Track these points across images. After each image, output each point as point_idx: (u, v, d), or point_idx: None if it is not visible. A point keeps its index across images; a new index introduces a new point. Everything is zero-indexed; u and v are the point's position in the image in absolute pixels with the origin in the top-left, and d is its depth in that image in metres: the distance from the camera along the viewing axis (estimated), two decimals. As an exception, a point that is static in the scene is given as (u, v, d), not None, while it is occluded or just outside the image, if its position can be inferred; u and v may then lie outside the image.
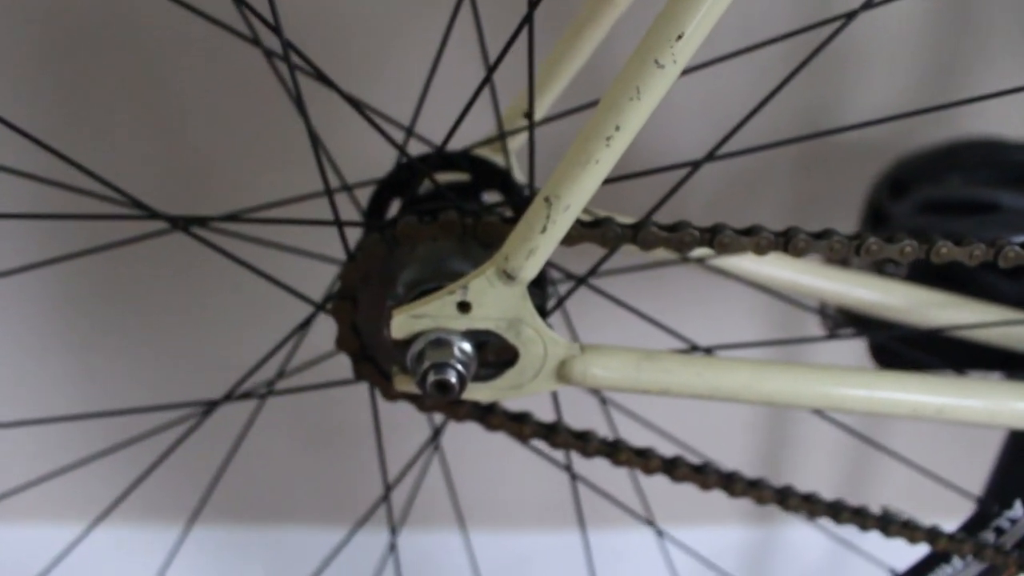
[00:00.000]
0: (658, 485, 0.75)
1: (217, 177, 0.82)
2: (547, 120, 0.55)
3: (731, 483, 0.53)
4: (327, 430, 0.98)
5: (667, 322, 0.56)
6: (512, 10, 0.49)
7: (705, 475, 0.53)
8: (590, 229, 0.44)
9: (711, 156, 0.45)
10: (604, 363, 0.46)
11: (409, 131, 0.56)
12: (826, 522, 0.56)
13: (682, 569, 0.85)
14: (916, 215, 0.68)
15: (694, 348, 0.53)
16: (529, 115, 0.47)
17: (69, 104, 0.78)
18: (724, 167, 0.83)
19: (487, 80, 0.46)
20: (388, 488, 0.64)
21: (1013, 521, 0.59)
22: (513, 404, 0.53)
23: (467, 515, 0.86)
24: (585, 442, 0.52)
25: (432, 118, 0.58)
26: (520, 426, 0.52)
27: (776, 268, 0.59)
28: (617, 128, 0.37)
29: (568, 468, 0.65)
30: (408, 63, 0.76)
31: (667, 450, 0.55)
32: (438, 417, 0.65)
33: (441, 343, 0.44)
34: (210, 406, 0.59)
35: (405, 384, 0.48)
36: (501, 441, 0.91)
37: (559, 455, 0.65)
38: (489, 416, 0.52)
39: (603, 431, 0.54)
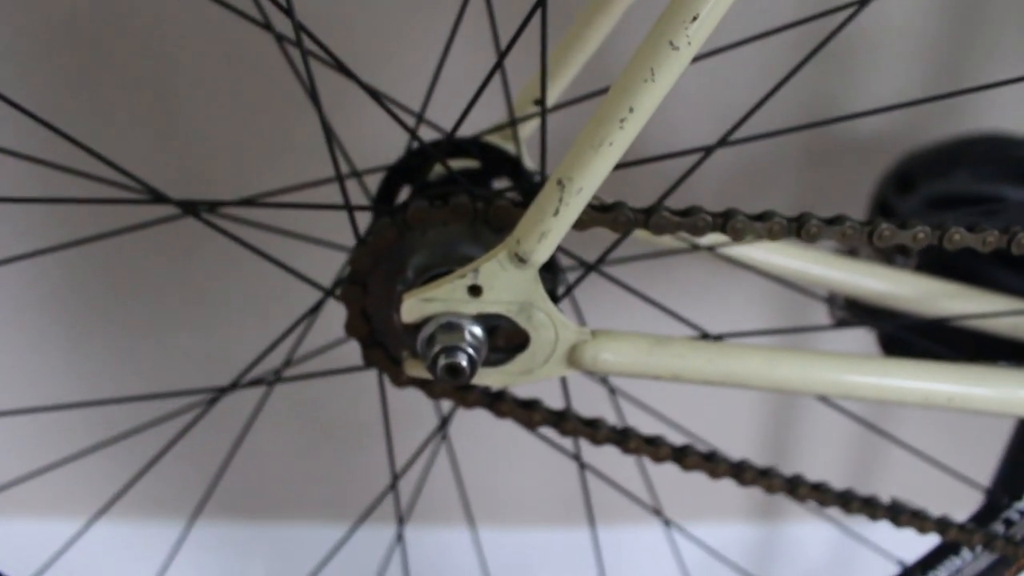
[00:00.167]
0: (664, 481, 0.76)
1: (222, 164, 0.82)
2: (558, 107, 0.55)
3: (741, 472, 0.53)
4: (331, 425, 0.98)
5: (675, 311, 0.56)
6: (523, -3, 0.49)
7: (715, 463, 0.53)
8: (602, 213, 0.44)
9: (723, 141, 0.45)
10: (615, 348, 0.46)
11: (420, 117, 0.56)
12: (835, 512, 0.56)
13: (689, 564, 0.85)
14: (923, 210, 0.68)
15: (704, 336, 0.53)
16: (542, 101, 0.47)
17: (74, 89, 0.78)
18: (730, 161, 0.83)
19: (498, 66, 0.46)
20: (395, 477, 0.64)
21: (1022, 512, 0.59)
22: (522, 392, 0.53)
23: (473, 510, 0.86)
24: (595, 430, 0.52)
25: (442, 105, 0.58)
26: (529, 413, 0.52)
27: (786, 257, 0.58)
28: (631, 110, 0.37)
29: (577, 457, 0.64)
30: (418, 49, 0.76)
31: (675, 440, 0.54)
32: (446, 408, 0.65)
33: (452, 327, 0.44)
34: (219, 393, 0.59)
35: (415, 369, 0.48)
36: (507, 437, 0.92)
37: (567, 444, 0.65)
38: (498, 403, 0.51)
39: (611, 422, 0.54)
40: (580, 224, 0.44)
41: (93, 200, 0.49)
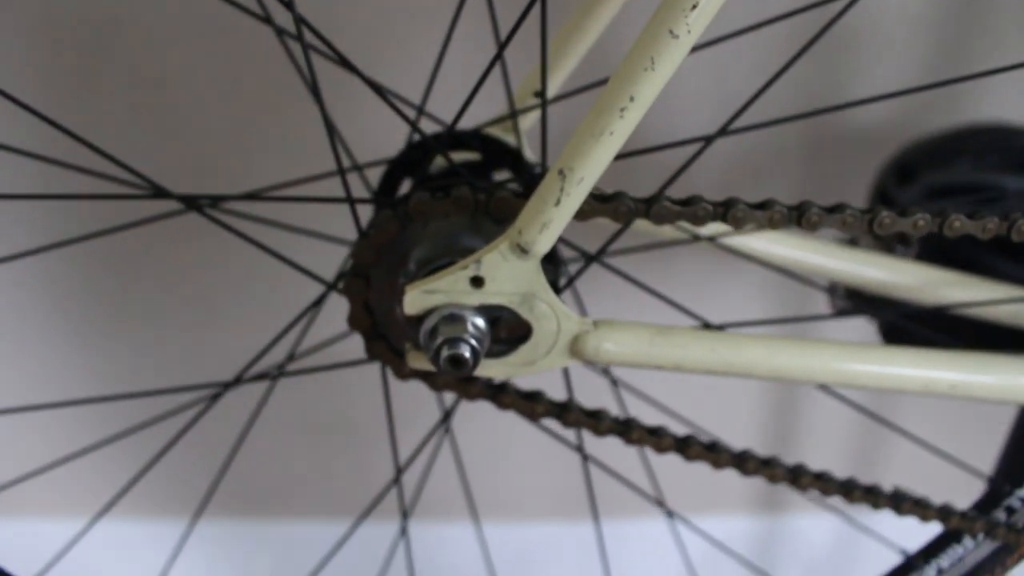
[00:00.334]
0: (666, 473, 0.76)
1: (223, 159, 0.82)
2: (558, 99, 0.55)
3: (744, 461, 0.53)
4: (334, 423, 0.98)
5: (677, 301, 0.56)
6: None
7: (717, 453, 0.53)
8: (603, 203, 0.44)
9: (724, 131, 0.45)
10: (617, 338, 0.46)
11: (420, 110, 0.56)
12: (838, 501, 0.56)
13: (692, 556, 0.85)
14: (923, 200, 0.69)
15: (705, 326, 0.53)
16: (542, 93, 0.47)
17: (76, 85, 0.78)
18: (729, 153, 0.83)
19: (498, 58, 0.46)
20: (399, 471, 0.64)
21: (1024, 500, 0.59)
22: (524, 383, 0.53)
23: (476, 505, 0.86)
24: (597, 420, 0.52)
25: (442, 97, 0.58)
26: (532, 404, 0.52)
27: (786, 247, 0.59)
28: (631, 99, 0.37)
29: (580, 448, 0.65)
30: (418, 42, 0.76)
31: (678, 431, 0.55)
32: (448, 401, 0.65)
33: (454, 318, 0.44)
34: (223, 387, 0.59)
35: (418, 361, 0.48)
36: (508, 432, 0.92)
37: (570, 436, 0.65)
38: (501, 395, 0.52)
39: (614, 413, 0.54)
40: (581, 214, 0.44)
41: (96, 196, 0.49)
